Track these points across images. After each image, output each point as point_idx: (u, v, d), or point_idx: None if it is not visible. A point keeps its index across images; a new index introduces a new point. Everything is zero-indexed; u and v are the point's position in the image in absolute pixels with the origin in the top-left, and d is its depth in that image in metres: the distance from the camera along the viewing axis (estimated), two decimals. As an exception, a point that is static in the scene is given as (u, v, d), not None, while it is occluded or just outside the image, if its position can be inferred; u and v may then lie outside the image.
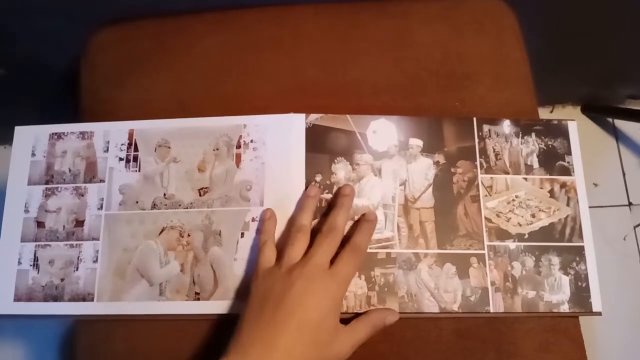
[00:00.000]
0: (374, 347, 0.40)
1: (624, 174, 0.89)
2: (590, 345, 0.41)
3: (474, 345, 0.41)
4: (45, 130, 0.46)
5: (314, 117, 0.44)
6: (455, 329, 0.41)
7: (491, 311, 0.41)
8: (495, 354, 0.41)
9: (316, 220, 0.42)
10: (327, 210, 0.42)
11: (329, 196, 0.42)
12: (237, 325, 0.35)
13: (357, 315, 0.39)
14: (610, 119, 0.93)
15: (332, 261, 0.37)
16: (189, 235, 0.42)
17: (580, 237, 0.43)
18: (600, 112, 0.92)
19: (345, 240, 0.39)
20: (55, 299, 0.42)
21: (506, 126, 0.45)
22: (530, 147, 0.44)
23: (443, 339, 0.41)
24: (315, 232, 0.39)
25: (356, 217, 0.42)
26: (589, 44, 0.68)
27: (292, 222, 0.40)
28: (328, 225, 0.38)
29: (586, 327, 0.42)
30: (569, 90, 0.87)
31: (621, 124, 0.92)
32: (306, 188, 0.42)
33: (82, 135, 0.45)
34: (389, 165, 0.44)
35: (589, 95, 0.89)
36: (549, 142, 0.44)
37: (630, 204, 0.87)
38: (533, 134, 0.45)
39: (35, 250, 0.43)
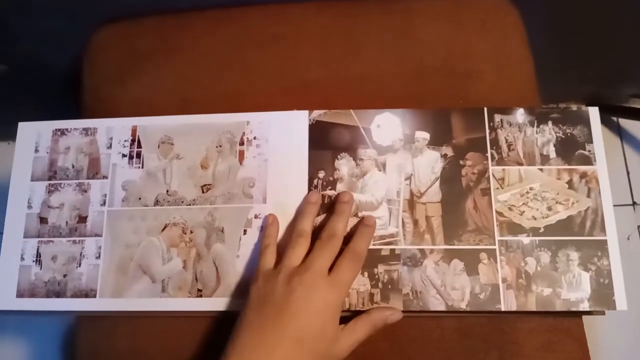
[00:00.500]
0: (374, 346, 0.40)
1: (628, 173, 0.89)
2: (593, 344, 0.41)
3: (477, 344, 0.41)
4: (49, 126, 0.46)
5: (317, 114, 0.44)
6: (458, 327, 0.41)
7: (502, 309, 0.39)
8: (497, 353, 0.40)
9: (318, 221, 0.41)
10: (329, 208, 0.42)
11: (332, 192, 0.42)
12: (234, 328, 0.35)
13: (358, 313, 0.39)
14: (614, 118, 0.92)
15: (332, 267, 0.37)
16: (191, 232, 0.42)
17: (603, 230, 0.40)
18: (605, 111, 0.91)
19: (344, 244, 0.39)
20: (58, 295, 0.42)
21: (520, 115, 0.43)
22: (546, 136, 0.42)
23: (445, 338, 0.41)
24: (315, 238, 0.39)
25: (359, 214, 0.42)
26: (592, 43, 0.68)
27: (293, 227, 0.40)
28: (327, 231, 0.38)
29: (589, 327, 0.41)
30: (573, 89, 0.86)
31: (625, 123, 0.92)
32: (309, 185, 0.42)
33: (85, 131, 0.45)
34: (394, 159, 0.43)
35: (593, 94, 0.88)
36: (568, 130, 0.42)
37: (634, 203, 0.87)
38: (550, 123, 0.43)
39: (38, 246, 0.43)
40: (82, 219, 0.43)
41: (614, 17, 0.62)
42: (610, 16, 0.61)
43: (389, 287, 0.40)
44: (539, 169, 0.42)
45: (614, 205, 0.41)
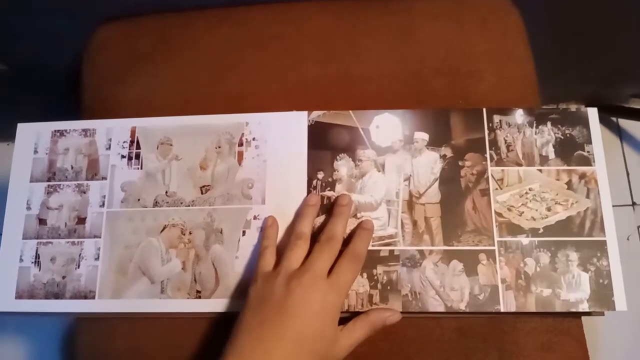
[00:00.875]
0: (374, 345, 0.40)
1: (627, 174, 0.89)
2: (593, 345, 0.41)
3: (476, 344, 0.41)
4: (48, 127, 0.46)
5: (316, 114, 0.44)
6: (458, 327, 0.41)
7: (502, 310, 0.39)
8: (497, 353, 0.40)
9: (318, 223, 0.41)
10: (328, 209, 0.42)
11: (332, 193, 0.42)
12: (233, 330, 0.35)
13: (357, 314, 0.38)
14: (614, 118, 0.92)
15: (331, 269, 0.37)
16: (190, 233, 0.42)
17: (602, 230, 0.40)
18: (604, 111, 0.92)
19: (343, 245, 0.39)
20: (57, 296, 0.42)
21: (519, 116, 0.43)
22: (545, 136, 0.42)
23: (445, 338, 0.41)
24: (315, 240, 0.39)
25: (358, 215, 0.42)
26: (593, 43, 0.68)
27: (292, 229, 0.40)
28: (327, 234, 0.38)
29: (589, 327, 0.41)
30: (573, 89, 0.86)
31: (625, 123, 0.92)
32: (308, 186, 0.42)
33: (85, 132, 0.45)
34: (393, 160, 0.43)
35: (593, 94, 0.88)
36: (567, 131, 0.42)
37: (634, 203, 0.87)
38: (549, 123, 0.43)
39: (37, 248, 0.43)
40: (81, 220, 0.43)
41: (614, 17, 0.62)
42: (611, 16, 0.61)
43: (388, 288, 0.40)
44: (538, 169, 0.42)
45: (614, 206, 0.41)
